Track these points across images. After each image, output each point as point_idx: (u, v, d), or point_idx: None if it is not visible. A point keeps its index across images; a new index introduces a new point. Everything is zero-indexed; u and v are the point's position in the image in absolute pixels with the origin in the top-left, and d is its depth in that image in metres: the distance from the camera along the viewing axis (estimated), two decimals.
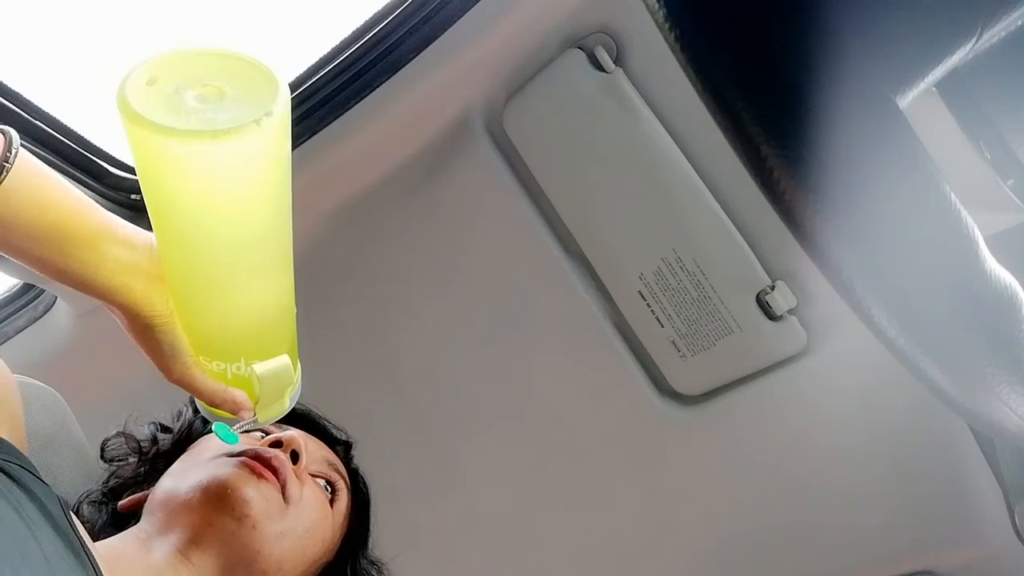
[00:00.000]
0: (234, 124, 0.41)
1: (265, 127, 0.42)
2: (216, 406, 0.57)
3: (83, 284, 0.48)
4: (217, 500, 0.61)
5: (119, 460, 0.75)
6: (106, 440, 0.77)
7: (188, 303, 0.52)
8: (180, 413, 0.78)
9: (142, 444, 0.75)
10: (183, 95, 0.43)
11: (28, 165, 0.46)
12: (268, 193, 0.47)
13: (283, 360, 0.56)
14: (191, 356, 0.53)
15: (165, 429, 0.77)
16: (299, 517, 0.66)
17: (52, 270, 0.47)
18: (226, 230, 0.47)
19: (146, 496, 0.68)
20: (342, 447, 0.83)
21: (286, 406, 0.60)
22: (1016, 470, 0.88)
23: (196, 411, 0.77)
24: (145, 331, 0.51)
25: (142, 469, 0.74)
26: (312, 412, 0.84)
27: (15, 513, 0.52)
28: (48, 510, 0.56)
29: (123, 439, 0.76)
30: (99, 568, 0.55)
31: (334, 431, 0.84)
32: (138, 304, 0.49)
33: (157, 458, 0.73)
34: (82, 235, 0.47)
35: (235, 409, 0.57)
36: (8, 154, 0.44)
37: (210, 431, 0.73)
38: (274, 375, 0.55)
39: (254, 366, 0.54)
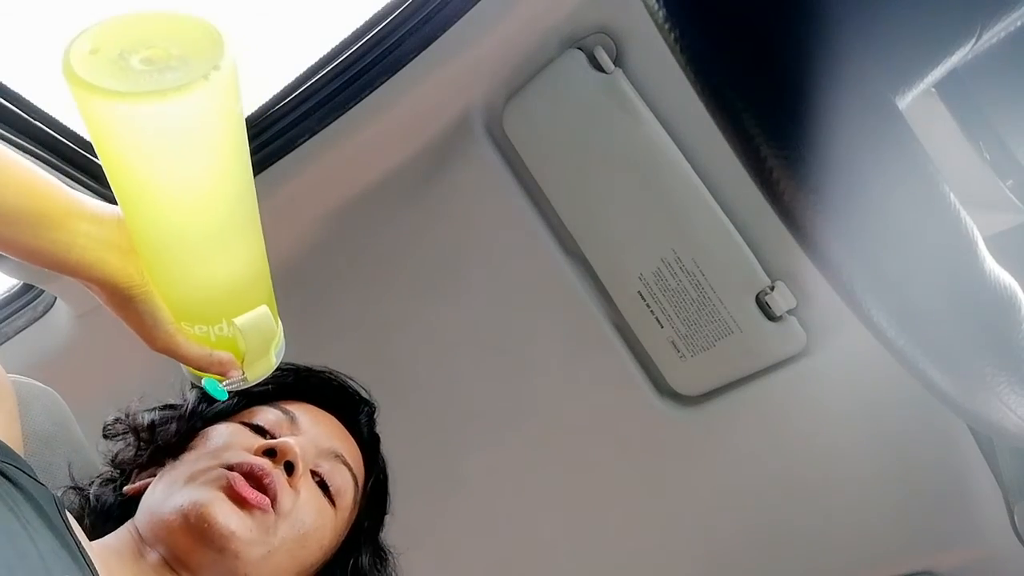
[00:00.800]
0: (182, 82, 0.41)
1: (214, 81, 0.42)
2: (203, 370, 0.56)
3: (57, 263, 0.48)
4: (197, 530, 0.60)
5: (120, 438, 0.74)
6: (107, 423, 0.75)
7: (161, 270, 0.51)
8: (186, 393, 0.76)
9: (141, 433, 0.72)
10: (128, 59, 0.42)
11: None
12: (224, 150, 0.46)
13: (262, 310, 0.55)
14: (172, 323, 0.53)
15: (168, 407, 0.75)
16: (291, 528, 0.64)
17: (25, 251, 0.47)
18: (186, 191, 0.47)
19: (148, 485, 0.68)
20: (365, 413, 0.80)
21: (272, 362, 0.59)
22: (1016, 470, 0.88)
23: (199, 399, 0.75)
24: (124, 303, 0.51)
25: (142, 459, 0.72)
26: (332, 376, 0.81)
27: (11, 514, 0.52)
28: (44, 511, 0.55)
29: (124, 424, 0.74)
30: (95, 569, 0.55)
31: (357, 391, 0.81)
32: (114, 276, 0.49)
33: (158, 450, 0.71)
34: (51, 215, 0.47)
35: (222, 370, 0.56)
36: None
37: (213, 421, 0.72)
38: (255, 325, 0.54)
39: (235, 320, 0.53)
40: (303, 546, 0.66)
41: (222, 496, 0.61)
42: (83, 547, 0.56)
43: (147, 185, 0.46)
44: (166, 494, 0.64)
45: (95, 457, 0.79)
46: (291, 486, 0.65)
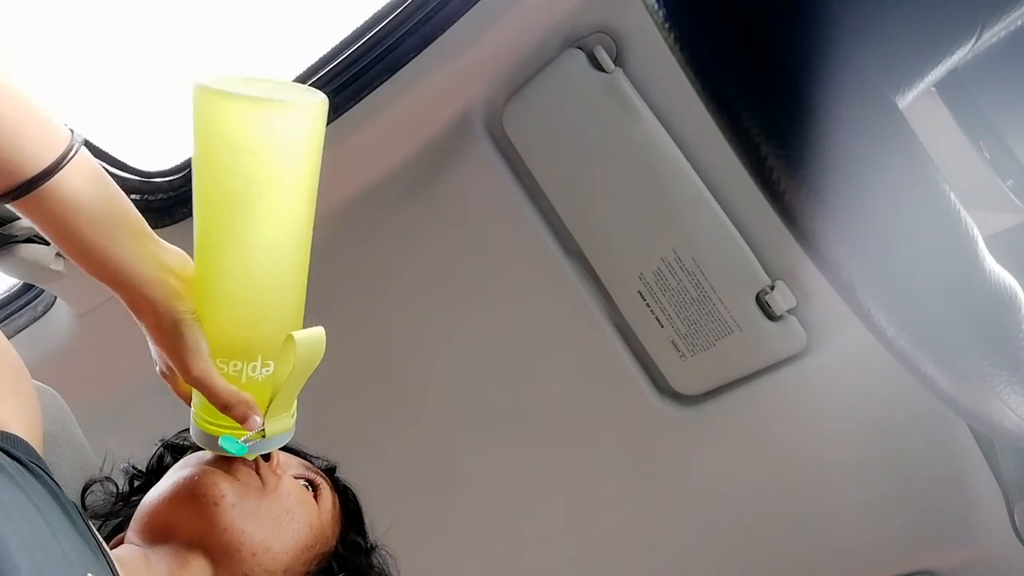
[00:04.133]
0: (303, 100, 0.52)
1: (315, 109, 0.52)
2: (228, 407, 0.57)
3: (122, 272, 0.51)
4: (188, 490, 0.62)
5: (101, 507, 0.75)
6: (85, 490, 0.76)
7: (213, 302, 0.54)
8: (155, 456, 0.78)
9: (120, 492, 0.75)
10: (251, 87, 0.52)
11: (87, 153, 0.51)
12: (309, 185, 0.55)
13: (318, 331, 0.58)
14: (210, 356, 0.55)
15: (139, 474, 0.77)
16: (277, 501, 0.66)
17: (95, 257, 0.51)
18: (268, 219, 0.53)
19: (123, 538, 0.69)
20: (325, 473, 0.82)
21: (291, 425, 0.62)
22: (1016, 470, 0.88)
23: (170, 448, 0.78)
24: (173, 326, 0.53)
25: (120, 508, 0.74)
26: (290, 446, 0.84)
27: (36, 512, 0.53)
28: (68, 510, 0.57)
29: (101, 487, 0.76)
30: (115, 569, 0.56)
31: (314, 460, 0.83)
32: (171, 298, 0.53)
33: (132, 494, 0.74)
34: (131, 224, 0.51)
35: (246, 412, 0.57)
36: (73, 138, 0.49)
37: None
38: (310, 343, 0.57)
39: (293, 333, 0.56)
40: (292, 517, 0.67)
41: (208, 467, 0.64)
42: (104, 548, 0.57)
43: (237, 201, 0.52)
44: (150, 494, 0.66)
45: (95, 457, 0.79)
46: (272, 470, 0.67)
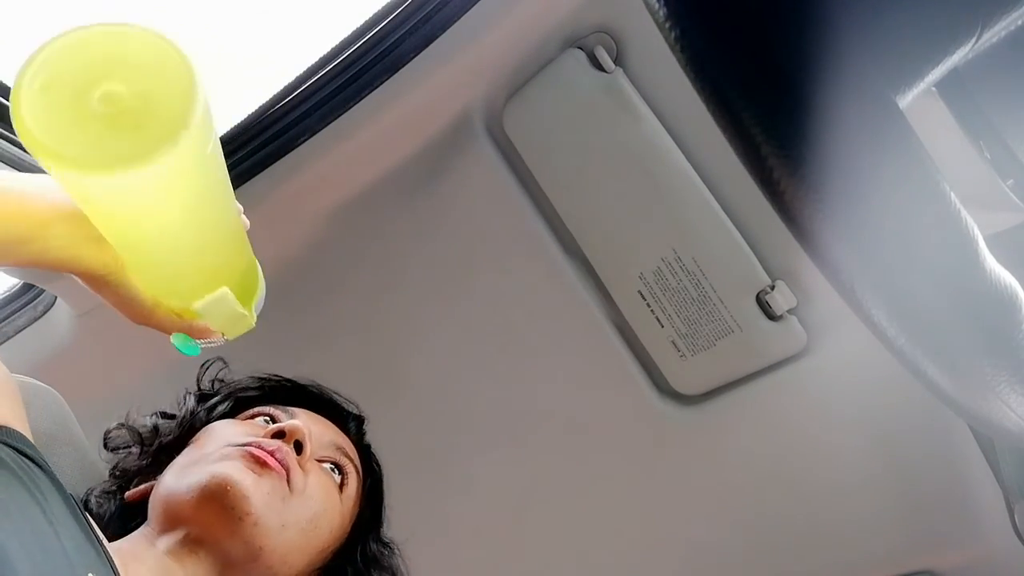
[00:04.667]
0: (145, 147, 0.37)
1: (182, 143, 0.38)
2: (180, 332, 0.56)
3: (35, 265, 0.51)
4: (217, 499, 0.61)
5: (123, 448, 0.75)
6: (108, 431, 0.76)
7: (135, 268, 0.52)
8: (183, 400, 0.78)
9: (143, 435, 0.74)
10: (86, 97, 0.38)
11: None
12: (195, 189, 0.44)
13: (221, 293, 0.53)
14: (150, 299, 0.54)
15: (167, 416, 0.77)
16: (303, 507, 0.65)
17: (3, 263, 0.50)
18: (154, 227, 0.45)
19: (151, 488, 0.68)
20: (354, 423, 0.82)
21: (252, 321, 0.58)
22: (1016, 470, 0.88)
23: (199, 399, 0.77)
24: (102, 286, 0.52)
25: (145, 461, 0.73)
26: (321, 388, 0.83)
27: (38, 508, 0.53)
28: (71, 504, 0.57)
29: (124, 430, 0.75)
30: (115, 566, 0.56)
31: (345, 406, 0.83)
32: (90, 267, 0.51)
33: (160, 450, 0.73)
34: (23, 235, 0.48)
35: (203, 336, 0.57)
36: None
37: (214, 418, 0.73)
38: (215, 309, 0.53)
39: (195, 305, 0.52)
40: (316, 525, 0.67)
41: (239, 464, 0.63)
42: (103, 542, 0.57)
43: (112, 222, 0.46)
44: (179, 477, 0.65)
45: (95, 457, 0.79)
46: (301, 465, 0.66)
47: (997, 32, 0.36)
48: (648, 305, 0.97)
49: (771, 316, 0.92)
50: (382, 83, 0.92)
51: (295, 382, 0.82)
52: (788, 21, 0.30)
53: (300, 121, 0.95)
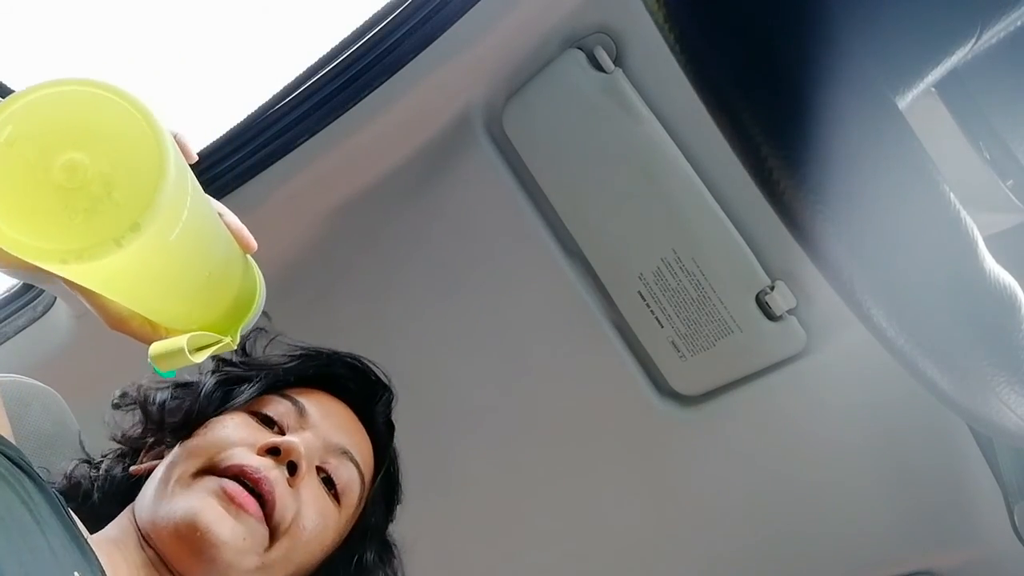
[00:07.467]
0: (99, 237, 0.36)
1: (144, 231, 0.36)
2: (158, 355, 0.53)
3: (12, 267, 0.49)
4: (187, 541, 0.59)
5: (128, 406, 0.73)
6: (117, 396, 0.74)
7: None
8: (196, 382, 0.75)
9: (150, 409, 0.72)
10: (48, 164, 0.36)
11: None
12: (159, 264, 0.42)
13: (178, 343, 0.49)
14: (124, 309, 0.52)
15: (181, 386, 0.74)
16: (288, 543, 0.64)
17: None
18: (118, 296, 0.45)
19: (154, 468, 0.67)
20: (383, 402, 0.80)
21: (234, 345, 0.55)
22: (1016, 470, 0.88)
23: (215, 383, 0.74)
24: (77, 287, 0.50)
25: (149, 438, 0.72)
26: (359, 360, 0.81)
27: (24, 507, 0.52)
28: (56, 504, 0.56)
29: (135, 405, 0.73)
30: (100, 564, 0.56)
31: (381, 378, 0.81)
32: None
33: (164, 431, 0.71)
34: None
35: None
36: None
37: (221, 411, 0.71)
38: (165, 358, 0.49)
39: (150, 351, 0.49)
40: (306, 550, 0.66)
41: (214, 503, 0.61)
42: (88, 542, 0.57)
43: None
44: (160, 494, 0.63)
45: (95, 457, 0.79)
46: (293, 486, 0.65)
47: (996, 32, 0.36)
48: (648, 305, 0.97)
49: (771, 316, 0.92)
50: (381, 84, 0.92)
51: (323, 359, 0.79)
52: (788, 22, 0.30)
53: (300, 121, 0.95)
